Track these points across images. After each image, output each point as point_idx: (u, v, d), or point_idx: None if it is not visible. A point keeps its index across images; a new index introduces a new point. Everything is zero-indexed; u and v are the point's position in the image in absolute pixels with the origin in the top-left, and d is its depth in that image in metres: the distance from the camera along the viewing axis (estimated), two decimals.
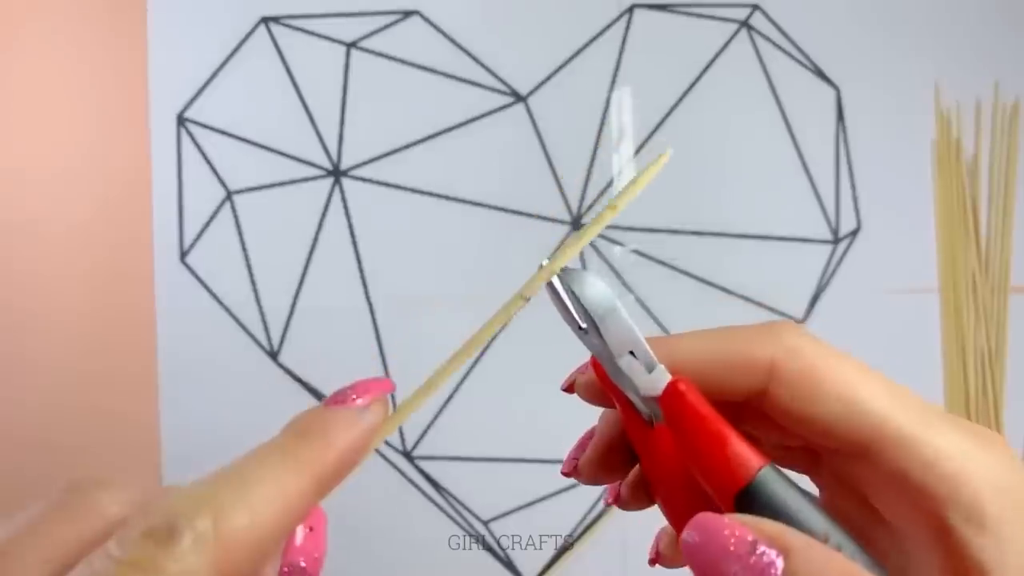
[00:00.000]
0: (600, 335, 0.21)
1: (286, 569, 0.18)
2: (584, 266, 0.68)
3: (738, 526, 0.18)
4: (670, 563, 0.23)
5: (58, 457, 0.67)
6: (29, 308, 0.67)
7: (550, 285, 0.22)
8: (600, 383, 0.23)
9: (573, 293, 0.22)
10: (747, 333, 0.21)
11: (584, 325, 0.22)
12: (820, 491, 0.24)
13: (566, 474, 0.24)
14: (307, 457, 0.18)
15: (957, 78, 0.68)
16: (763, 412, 0.22)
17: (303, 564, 0.18)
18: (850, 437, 0.20)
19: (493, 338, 0.22)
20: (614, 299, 0.21)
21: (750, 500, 0.20)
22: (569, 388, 0.25)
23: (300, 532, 0.19)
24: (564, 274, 0.22)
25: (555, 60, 0.69)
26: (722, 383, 0.21)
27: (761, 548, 0.18)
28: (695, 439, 0.21)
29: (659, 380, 0.21)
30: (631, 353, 0.21)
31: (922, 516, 0.20)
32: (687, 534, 0.19)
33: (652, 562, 0.23)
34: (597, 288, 0.21)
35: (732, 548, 0.18)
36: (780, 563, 0.17)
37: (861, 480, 0.21)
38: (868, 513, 0.22)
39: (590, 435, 0.25)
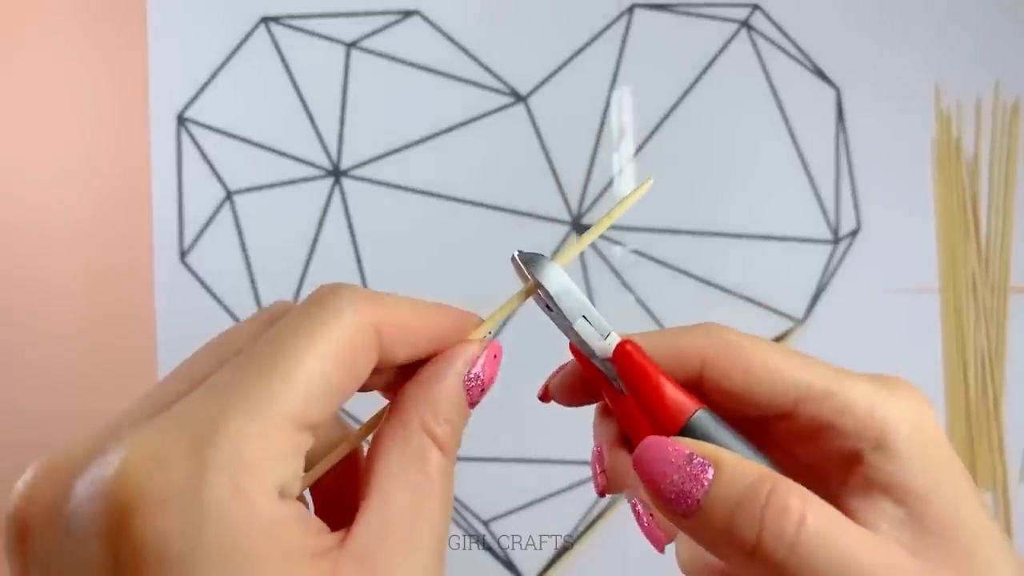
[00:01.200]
0: (561, 311, 0.25)
1: (471, 376, 0.23)
2: (585, 266, 0.68)
3: (677, 443, 0.23)
4: (668, 538, 0.26)
5: None
6: (29, 308, 0.67)
7: (521, 273, 0.26)
8: (581, 366, 0.26)
9: (536, 279, 0.25)
10: (682, 331, 0.26)
11: (550, 305, 0.25)
12: None
13: (602, 494, 0.27)
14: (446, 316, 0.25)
15: (957, 78, 0.68)
16: (706, 399, 0.25)
17: (483, 377, 0.24)
18: (777, 402, 0.24)
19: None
20: (568, 280, 0.25)
21: (689, 438, 0.24)
22: (545, 395, 0.28)
23: (486, 355, 0.24)
24: (529, 265, 0.25)
25: (555, 60, 0.69)
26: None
27: (697, 459, 0.22)
28: (641, 389, 0.25)
29: (612, 343, 0.25)
30: (584, 318, 0.25)
31: (839, 453, 0.24)
32: (637, 452, 0.23)
33: (661, 548, 0.26)
34: (554, 272, 0.25)
35: (672, 460, 0.22)
36: (711, 470, 0.22)
37: (789, 438, 0.25)
38: (798, 470, 0.25)
39: (599, 449, 0.27)
